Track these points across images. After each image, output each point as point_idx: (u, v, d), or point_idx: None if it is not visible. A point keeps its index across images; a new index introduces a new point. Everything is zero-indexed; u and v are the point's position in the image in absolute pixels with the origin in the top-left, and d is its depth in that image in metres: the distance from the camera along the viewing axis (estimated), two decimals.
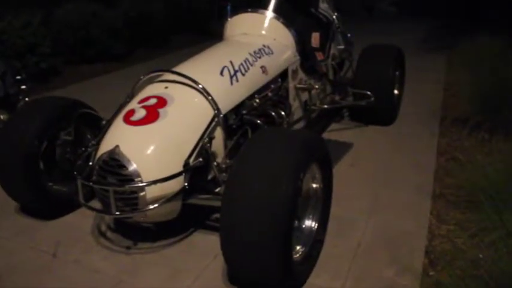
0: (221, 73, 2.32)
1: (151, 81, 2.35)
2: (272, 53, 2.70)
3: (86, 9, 6.24)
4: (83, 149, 2.21)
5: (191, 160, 1.98)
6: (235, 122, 2.36)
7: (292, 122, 2.91)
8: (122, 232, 2.33)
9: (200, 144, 2.01)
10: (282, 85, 2.82)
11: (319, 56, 3.36)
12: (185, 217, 2.17)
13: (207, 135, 2.06)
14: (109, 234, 2.34)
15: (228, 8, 3.03)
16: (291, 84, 2.88)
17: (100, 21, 6.24)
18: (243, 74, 2.41)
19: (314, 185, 2.04)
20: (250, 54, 2.55)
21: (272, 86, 2.68)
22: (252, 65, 2.50)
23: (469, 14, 7.61)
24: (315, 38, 3.38)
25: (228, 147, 2.19)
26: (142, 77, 2.37)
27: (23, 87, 4.17)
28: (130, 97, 2.29)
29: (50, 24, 5.86)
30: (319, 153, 1.96)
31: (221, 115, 2.15)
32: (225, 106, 2.24)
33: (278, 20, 2.83)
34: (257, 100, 2.51)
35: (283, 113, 2.59)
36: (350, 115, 3.89)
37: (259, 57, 2.58)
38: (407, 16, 8.98)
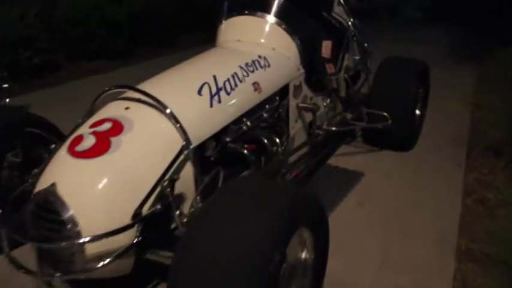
0: (199, 92, 1.87)
1: (114, 97, 1.91)
2: (269, 66, 2.23)
3: (89, 2, 5.88)
4: (26, 178, 1.80)
5: (146, 207, 1.54)
6: (215, 152, 1.91)
7: (293, 149, 2.45)
8: None
9: (160, 185, 1.57)
10: (281, 104, 2.36)
11: (330, 68, 2.88)
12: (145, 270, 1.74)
13: (171, 173, 1.61)
14: None
15: (225, 6, 2.57)
16: (293, 103, 2.41)
17: (102, 15, 5.86)
18: (228, 93, 1.96)
19: (303, 255, 1.57)
20: (241, 68, 2.09)
21: (267, 105, 2.22)
22: (241, 81, 2.04)
23: (504, 22, 6.95)
24: (326, 47, 2.90)
25: (200, 187, 1.74)
26: (106, 89, 1.93)
27: (5, 85, 3.82)
28: (88, 116, 1.85)
29: (48, 17, 5.50)
30: (310, 216, 1.51)
31: (192, 146, 1.70)
32: (201, 134, 1.79)
33: (280, 25, 2.36)
34: (247, 123, 2.06)
35: (277, 139, 2.14)
36: (363, 135, 3.40)
37: (252, 71, 2.12)
38: (434, 22, 8.32)
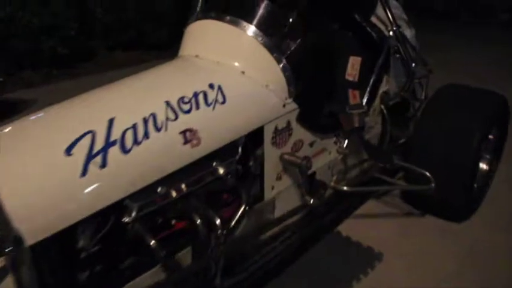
0: (68, 150, 1.15)
1: None
2: (223, 102, 1.44)
3: None
4: None
5: None
6: (92, 244, 1.20)
7: (266, 223, 1.67)
8: None
9: None
10: (250, 156, 1.58)
11: (354, 96, 2.00)
12: None
13: None
14: None
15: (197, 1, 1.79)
16: (272, 154, 1.62)
17: (140, 2, 5.38)
18: (127, 150, 1.20)
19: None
20: (169, 105, 1.32)
21: (216, 163, 1.44)
22: (159, 129, 1.28)
23: None
24: (354, 65, 2.04)
25: None
26: None
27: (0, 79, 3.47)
28: None
29: (80, 4, 5.12)
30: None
31: (25, 246, 1.01)
32: (52, 222, 1.08)
33: (257, 37, 1.56)
34: (172, 193, 1.32)
35: (218, 220, 1.36)
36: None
37: (187, 112, 1.34)
38: None
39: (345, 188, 1.94)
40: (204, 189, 1.42)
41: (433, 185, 1.95)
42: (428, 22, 6.02)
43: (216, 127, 1.40)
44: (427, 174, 1.96)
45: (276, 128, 1.60)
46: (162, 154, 1.28)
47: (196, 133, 1.35)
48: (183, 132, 1.32)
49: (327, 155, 1.95)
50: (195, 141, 1.35)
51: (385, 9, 2.14)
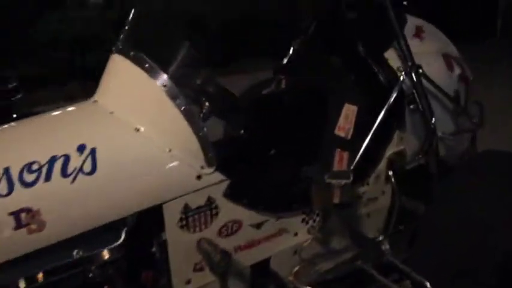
0: None
1: None
2: (91, 173, 1.05)
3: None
4: None
5: None
6: None
7: None
8: None
9: None
10: (143, 242, 1.16)
11: (341, 160, 1.49)
12: None
13: None
14: None
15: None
16: (180, 240, 1.19)
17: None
18: None
19: None
20: (6, 173, 0.98)
21: (78, 251, 1.06)
22: None
23: None
24: (348, 116, 1.54)
25: None
26: None
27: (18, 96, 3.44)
28: None
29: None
30: None
31: None
32: None
33: (164, 87, 1.12)
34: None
35: None
36: None
37: (28, 185, 0.98)
38: None
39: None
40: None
41: None
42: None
43: (72, 207, 1.02)
44: (427, 285, 1.35)
45: (186, 207, 1.17)
46: None
47: (37, 215, 0.98)
48: (16, 213, 0.97)
49: (290, 238, 1.45)
50: (34, 226, 0.98)
51: (398, 41, 1.57)
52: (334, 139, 1.53)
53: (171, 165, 1.13)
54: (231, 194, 1.23)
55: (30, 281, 1.00)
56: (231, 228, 1.28)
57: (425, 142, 1.61)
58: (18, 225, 0.96)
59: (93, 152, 1.05)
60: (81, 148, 1.05)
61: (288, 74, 1.83)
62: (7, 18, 4.30)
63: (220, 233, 1.26)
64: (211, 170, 1.17)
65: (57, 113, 1.22)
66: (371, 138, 1.52)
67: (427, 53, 1.79)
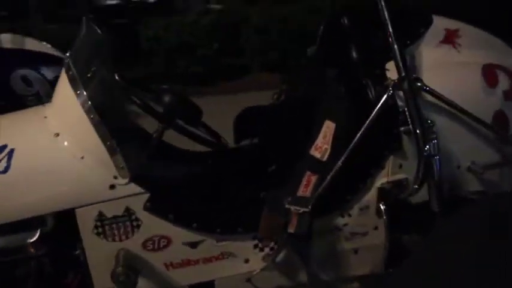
0: None
1: None
2: (4, 171, 1.09)
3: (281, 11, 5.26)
4: None
5: None
6: None
7: None
8: None
9: None
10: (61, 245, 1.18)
11: (307, 184, 1.31)
12: None
13: None
14: None
15: None
16: (96, 247, 1.17)
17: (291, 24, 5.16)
18: None
19: None
20: None
21: None
22: None
23: None
24: (326, 134, 1.36)
25: None
26: None
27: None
28: None
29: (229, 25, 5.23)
30: None
31: None
32: None
33: (76, 94, 1.12)
34: None
35: None
36: None
37: None
38: None
39: None
40: None
41: None
42: None
43: None
44: None
45: (101, 215, 1.16)
46: None
47: None
48: None
49: (238, 263, 1.33)
50: None
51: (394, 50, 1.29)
52: (308, 159, 1.35)
53: (83, 171, 1.13)
54: (152, 208, 1.17)
55: None
56: (158, 243, 1.22)
57: (418, 172, 1.30)
58: None
59: (10, 152, 1.12)
60: (2, 148, 1.13)
61: (289, 85, 1.69)
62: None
63: (144, 246, 1.21)
64: (125, 181, 1.14)
65: (12, 114, 1.33)
66: (352, 162, 1.30)
67: (456, 64, 1.46)
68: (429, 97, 1.35)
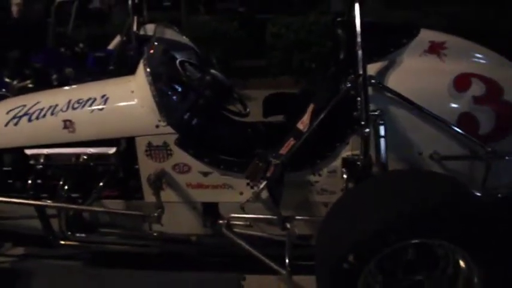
0: (9, 111, 2.01)
1: None
2: (102, 110, 1.90)
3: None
4: None
5: None
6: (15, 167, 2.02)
7: None
8: None
9: None
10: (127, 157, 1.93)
11: (287, 146, 1.82)
12: None
13: None
14: None
15: None
16: (146, 164, 1.90)
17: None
18: (30, 120, 1.97)
19: None
20: (69, 103, 1.96)
21: (92, 150, 1.91)
22: (52, 114, 1.95)
23: None
24: (309, 113, 1.87)
25: None
26: None
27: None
28: None
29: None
30: None
31: None
32: None
33: (145, 71, 1.90)
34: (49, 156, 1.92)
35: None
36: None
37: (74, 109, 1.94)
38: None
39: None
40: (81, 167, 1.96)
41: None
42: None
43: (90, 124, 1.92)
44: None
45: (149, 144, 1.88)
46: (48, 129, 1.96)
47: (73, 124, 1.93)
48: (65, 121, 1.94)
49: (235, 194, 1.92)
50: (71, 129, 1.94)
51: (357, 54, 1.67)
52: (294, 130, 1.86)
53: (142, 115, 1.87)
54: (179, 144, 1.85)
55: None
56: (182, 168, 1.89)
57: (361, 146, 1.68)
58: (64, 127, 1.92)
59: (106, 99, 1.92)
60: (103, 96, 1.94)
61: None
62: None
63: (173, 168, 1.90)
64: (164, 124, 1.84)
65: (118, 78, 2.17)
66: (322, 136, 1.78)
67: (434, 70, 1.77)
68: (389, 94, 1.72)
